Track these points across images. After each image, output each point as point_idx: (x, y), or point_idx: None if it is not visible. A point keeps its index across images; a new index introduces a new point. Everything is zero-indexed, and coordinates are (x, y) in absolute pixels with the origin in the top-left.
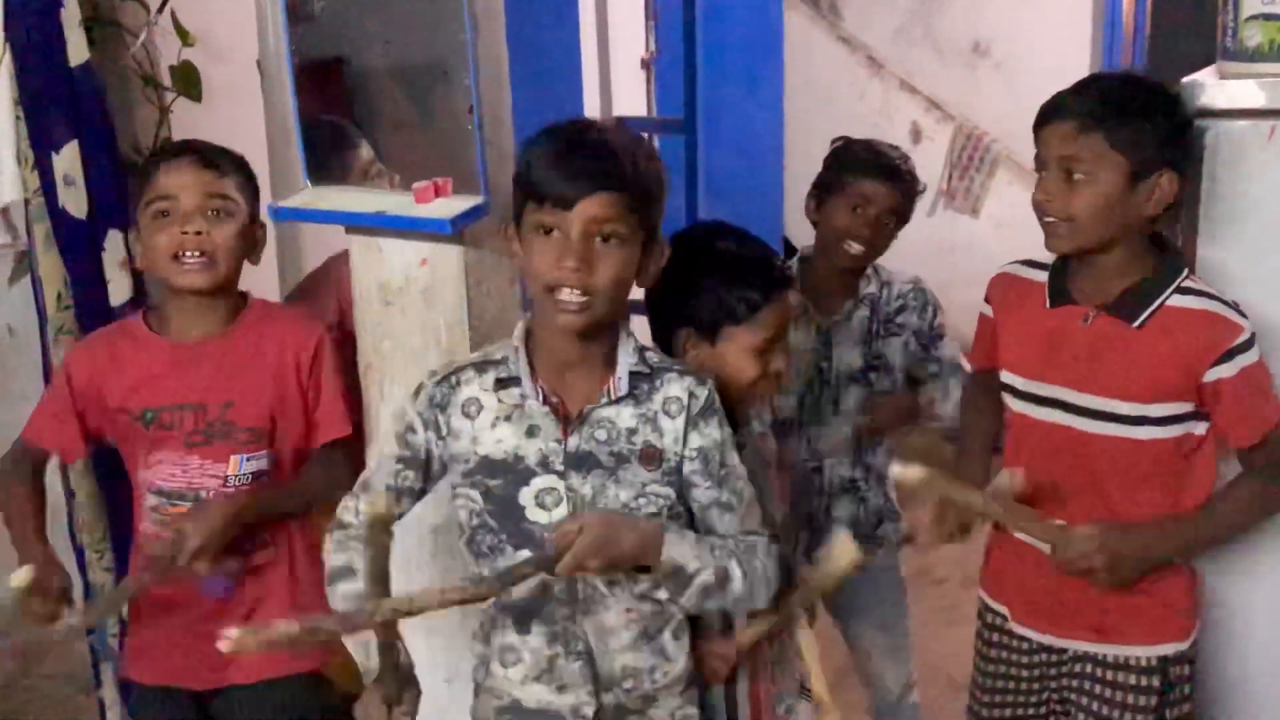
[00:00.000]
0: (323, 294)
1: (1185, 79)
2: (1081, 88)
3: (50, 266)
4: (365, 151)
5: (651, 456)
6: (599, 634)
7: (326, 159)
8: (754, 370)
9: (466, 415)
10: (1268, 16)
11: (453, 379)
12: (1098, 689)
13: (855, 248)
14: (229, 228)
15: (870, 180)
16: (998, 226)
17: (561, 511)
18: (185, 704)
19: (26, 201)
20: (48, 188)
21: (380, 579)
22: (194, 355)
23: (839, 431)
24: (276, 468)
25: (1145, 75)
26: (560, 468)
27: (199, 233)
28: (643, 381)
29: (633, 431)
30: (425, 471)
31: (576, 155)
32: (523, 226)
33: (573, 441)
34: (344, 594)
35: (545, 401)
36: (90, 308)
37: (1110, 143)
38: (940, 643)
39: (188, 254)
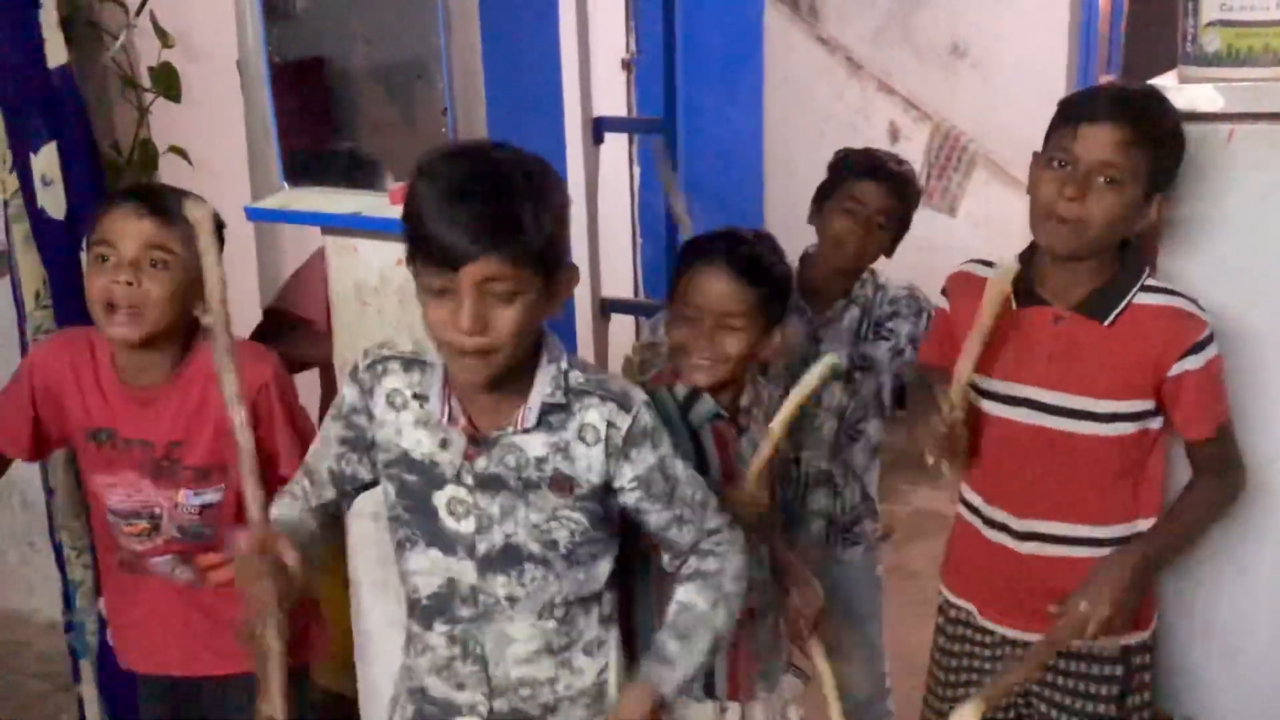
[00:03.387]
0: (314, 287)
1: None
2: (1129, 98)
3: (29, 266)
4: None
5: (562, 485)
6: (498, 642)
7: (308, 160)
8: (678, 335)
9: (391, 405)
10: (1226, 23)
11: (378, 367)
12: (1061, 680)
13: (848, 249)
14: (165, 279)
15: (862, 181)
16: (975, 225)
17: (469, 523)
18: (169, 691)
19: (5, 202)
20: (26, 188)
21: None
22: (143, 398)
23: (820, 426)
24: (229, 499)
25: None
26: (469, 483)
27: (129, 283)
28: (559, 411)
29: (542, 460)
30: (368, 453)
31: (463, 210)
32: (415, 270)
33: (480, 463)
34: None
35: (453, 421)
36: (68, 307)
37: (1149, 163)
38: (916, 636)
39: (117, 304)
